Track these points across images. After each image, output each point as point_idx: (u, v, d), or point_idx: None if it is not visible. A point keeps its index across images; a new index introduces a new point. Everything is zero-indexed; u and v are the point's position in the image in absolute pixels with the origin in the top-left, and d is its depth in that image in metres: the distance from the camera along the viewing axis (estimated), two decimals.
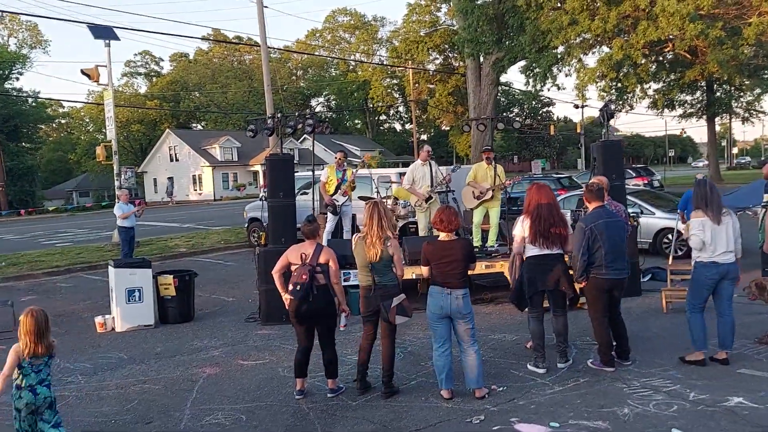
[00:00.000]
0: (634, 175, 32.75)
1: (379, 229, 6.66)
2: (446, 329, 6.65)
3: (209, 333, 10.31)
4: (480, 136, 30.89)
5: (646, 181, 32.57)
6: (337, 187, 13.14)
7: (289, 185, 10.83)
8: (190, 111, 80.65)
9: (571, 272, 7.59)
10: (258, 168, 69.45)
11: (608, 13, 23.37)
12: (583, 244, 7.17)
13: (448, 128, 73.32)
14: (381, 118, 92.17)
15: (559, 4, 26.03)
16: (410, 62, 57.62)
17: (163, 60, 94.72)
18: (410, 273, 10.28)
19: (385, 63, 69.99)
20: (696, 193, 7.28)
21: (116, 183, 22.71)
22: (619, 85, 29.05)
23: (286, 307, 6.93)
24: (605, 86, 27.18)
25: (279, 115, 11.25)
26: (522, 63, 30.75)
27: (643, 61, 25.73)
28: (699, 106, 43.06)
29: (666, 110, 41.31)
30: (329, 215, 13.23)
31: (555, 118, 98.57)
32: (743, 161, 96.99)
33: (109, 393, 7.56)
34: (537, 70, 28.57)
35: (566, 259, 7.56)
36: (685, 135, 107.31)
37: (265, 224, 20.09)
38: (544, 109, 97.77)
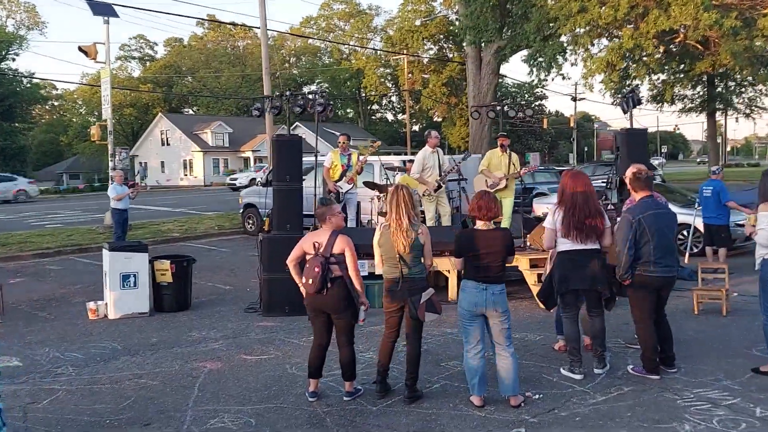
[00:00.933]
0: None
1: (404, 217, 6.02)
2: (480, 329, 6.01)
3: (208, 323, 9.66)
4: (479, 126, 30.36)
5: None
6: (343, 174, 12.42)
7: (297, 168, 10.21)
8: (183, 95, 79.90)
9: (607, 269, 6.97)
10: (249, 154, 68.80)
11: (619, 1, 22.69)
12: (630, 238, 6.53)
13: (440, 119, 72.67)
14: (373, 107, 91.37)
15: None
16: (405, 51, 56.99)
17: (157, 44, 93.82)
18: None
19: (381, 50, 69.21)
20: (764, 184, 6.68)
21: (110, 164, 21.97)
22: (623, 76, 28.38)
23: (305, 299, 6.31)
24: (613, 75, 26.35)
25: (288, 93, 10.60)
26: (523, 52, 30.15)
27: (650, 51, 24.99)
28: (699, 101, 42.48)
29: (665, 104, 40.65)
30: None
31: (547, 112, 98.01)
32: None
33: (103, 388, 6.91)
34: (540, 59, 27.93)
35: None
36: (677, 131, 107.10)
37: (260, 210, 19.63)
38: (537, 103, 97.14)
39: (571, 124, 71.42)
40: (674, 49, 28.59)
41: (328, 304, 6.11)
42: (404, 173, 14.58)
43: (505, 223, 11.95)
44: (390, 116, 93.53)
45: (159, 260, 10.47)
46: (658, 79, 32.97)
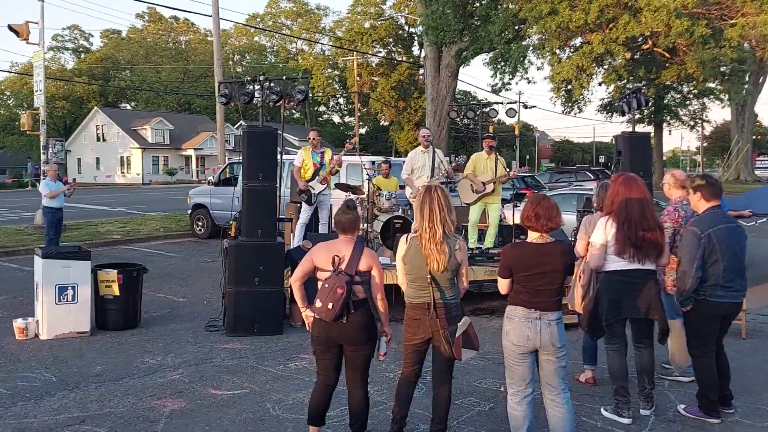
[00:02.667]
0: (592, 177, 31.43)
1: (439, 226, 4.69)
2: (530, 367, 4.71)
3: (162, 346, 8.13)
4: (437, 129, 29.44)
5: None
6: (315, 173, 11.03)
7: (272, 165, 8.80)
8: (121, 89, 77.14)
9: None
10: (191, 153, 66.70)
11: (589, 5, 21.94)
12: (698, 256, 5.38)
13: (387, 123, 71.79)
14: (320, 108, 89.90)
15: None
16: (354, 53, 56.07)
17: (92, 36, 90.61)
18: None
19: (333, 45, 67.88)
20: None
21: (43, 157, 19.96)
22: (579, 84, 27.76)
23: (307, 328, 4.92)
24: (583, 80, 25.57)
25: (262, 77, 9.18)
26: (483, 56, 29.41)
27: (620, 56, 24.35)
28: (647, 112, 42.65)
29: (615, 114, 40.70)
30: (303, 205, 11.15)
31: (491, 120, 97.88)
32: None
33: None
34: (502, 63, 27.13)
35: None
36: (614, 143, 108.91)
37: (211, 212, 18.10)
38: (483, 110, 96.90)
39: (516, 132, 71.18)
40: (640, 57, 28.09)
41: (347, 333, 4.73)
42: (379, 174, 13.43)
43: (492, 231, 10.82)
44: (337, 118, 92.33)
45: (104, 269, 8.89)
46: (624, 85, 32.78)
